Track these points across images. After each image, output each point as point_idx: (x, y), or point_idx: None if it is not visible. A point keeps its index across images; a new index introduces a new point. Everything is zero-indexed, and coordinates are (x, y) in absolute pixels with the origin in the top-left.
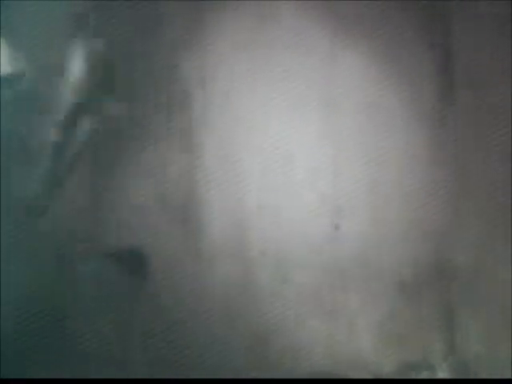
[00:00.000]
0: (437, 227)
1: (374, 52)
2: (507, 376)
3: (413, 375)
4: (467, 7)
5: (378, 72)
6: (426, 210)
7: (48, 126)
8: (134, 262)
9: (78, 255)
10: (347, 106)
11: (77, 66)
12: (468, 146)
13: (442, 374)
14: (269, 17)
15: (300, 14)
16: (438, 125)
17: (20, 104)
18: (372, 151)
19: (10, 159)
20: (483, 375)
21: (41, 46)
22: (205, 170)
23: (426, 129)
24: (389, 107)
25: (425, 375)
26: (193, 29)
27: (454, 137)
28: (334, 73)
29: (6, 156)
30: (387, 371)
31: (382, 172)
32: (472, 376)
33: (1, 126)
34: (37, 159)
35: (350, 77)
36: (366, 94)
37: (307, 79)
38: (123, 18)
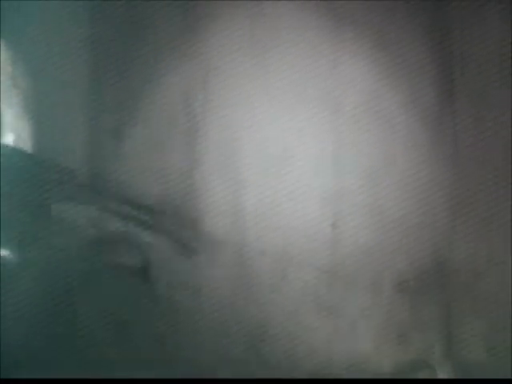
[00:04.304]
0: (437, 227)
1: (375, 52)
2: (507, 376)
3: (413, 375)
4: (469, 9)
5: (379, 72)
6: (425, 209)
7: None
8: (133, 262)
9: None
10: (347, 107)
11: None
12: (468, 146)
13: (441, 374)
14: (270, 16)
15: (301, 13)
16: (437, 125)
17: None
18: (372, 151)
19: None
20: (483, 375)
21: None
22: (204, 169)
23: (426, 129)
24: (389, 107)
25: (425, 375)
26: (193, 28)
27: (453, 137)
28: (334, 74)
29: None
30: (387, 371)
31: (381, 172)
32: (472, 376)
33: None
34: None
35: (351, 77)
36: (366, 95)
37: (308, 80)
38: (121, 20)
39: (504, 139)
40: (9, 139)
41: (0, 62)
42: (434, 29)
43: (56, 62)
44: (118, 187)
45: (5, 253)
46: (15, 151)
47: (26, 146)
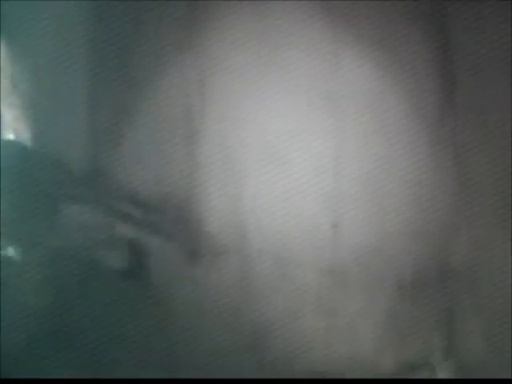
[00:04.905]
0: (437, 228)
1: (376, 52)
2: (507, 376)
3: (413, 375)
4: (471, 11)
5: (380, 72)
6: (426, 209)
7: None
8: (132, 260)
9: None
10: (348, 106)
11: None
12: (469, 146)
13: (441, 374)
14: (269, 16)
15: (302, 13)
16: (438, 125)
17: None
18: (372, 151)
19: None
20: (483, 375)
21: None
22: (204, 168)
23: (427, 129)
24: (390, 107)
25: (425, 375)
26: (192, 28)
27: (454, 138)
28: (334, 73)
29: None
30: (387, 371)
31: (382, 171)
32: (472, 376)
33: None
34: None
35: (351, 77)
36: (367, 94)
37: (308, 80)
38: (122, 19)
39: (506, 141)
40: (9, 139)
41: (0, 62)
42: (436, 31)
43: (56, 62)
44: (117, 188)
45: (4, 252)
46: (15, 151)
47: (26, 146)
